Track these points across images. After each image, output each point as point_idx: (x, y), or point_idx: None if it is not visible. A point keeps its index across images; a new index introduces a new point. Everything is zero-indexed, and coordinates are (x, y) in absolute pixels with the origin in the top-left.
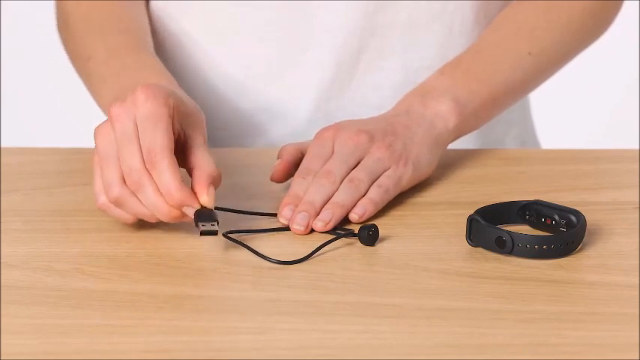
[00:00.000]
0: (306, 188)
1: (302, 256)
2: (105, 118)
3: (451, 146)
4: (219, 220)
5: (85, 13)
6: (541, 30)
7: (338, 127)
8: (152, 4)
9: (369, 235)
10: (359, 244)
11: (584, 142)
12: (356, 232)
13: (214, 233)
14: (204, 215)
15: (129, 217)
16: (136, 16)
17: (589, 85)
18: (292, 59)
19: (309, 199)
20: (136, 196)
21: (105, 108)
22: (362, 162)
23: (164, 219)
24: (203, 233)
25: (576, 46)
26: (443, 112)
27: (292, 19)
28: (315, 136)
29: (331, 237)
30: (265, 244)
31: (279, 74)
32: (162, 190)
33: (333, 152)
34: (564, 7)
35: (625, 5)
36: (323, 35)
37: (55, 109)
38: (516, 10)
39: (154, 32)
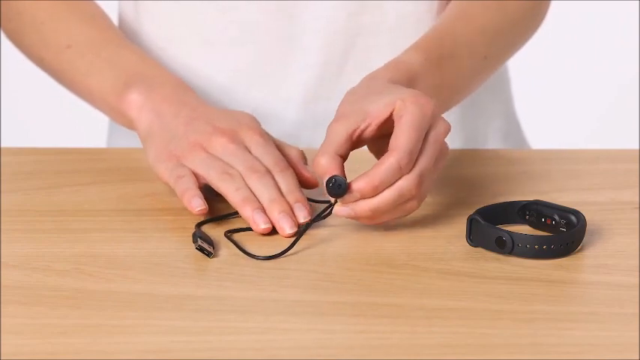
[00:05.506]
0: (394, 178)
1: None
2: (86, 103)
3: None
4: (214, 247)
5: (37, 2)
6: (499, 33)
7: (434, 108)
8: (137, 6)
9: (331, 187)
10: (358, 242)
11: (584, 142)
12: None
13: (208, 255)
14: (204, 238)
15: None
16: (95, 6)
17: (589, 84)
18: (278, 61)
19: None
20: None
21: (102, 93)
22: (440, 158)
23: (268, 217)
24: (198, 249)
25: (515, 50)
26: None
27: (277, 21)
28: (419, 104)
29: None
30: (262, 243)
31: (265, 77)
32: (287, 189)
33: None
34: (513, 8)
35: (625, 4)
36: (308, 36)
37: (55, 109)
38: (477, 7)
39: (139, 35)
